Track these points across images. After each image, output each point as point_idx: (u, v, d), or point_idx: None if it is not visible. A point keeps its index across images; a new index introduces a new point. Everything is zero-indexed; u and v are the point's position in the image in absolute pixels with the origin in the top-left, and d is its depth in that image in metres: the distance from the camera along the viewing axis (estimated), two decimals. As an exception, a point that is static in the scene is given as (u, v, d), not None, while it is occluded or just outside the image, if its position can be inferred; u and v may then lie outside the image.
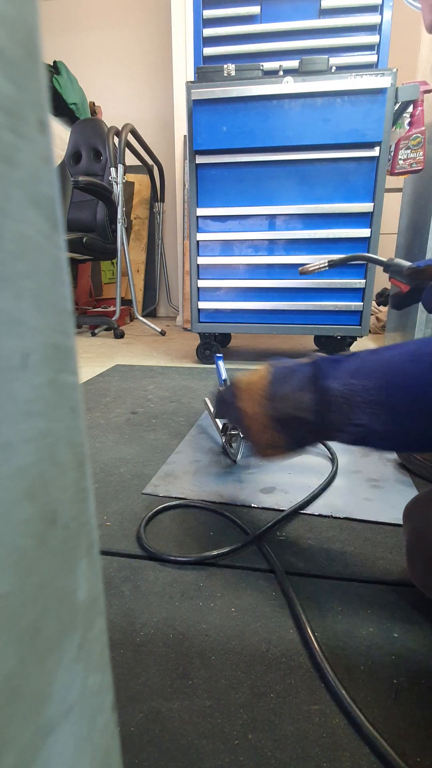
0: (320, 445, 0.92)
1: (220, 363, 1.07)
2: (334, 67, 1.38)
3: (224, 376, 1.02)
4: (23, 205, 0.11)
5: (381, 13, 1.40)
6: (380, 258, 0.85)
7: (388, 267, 0.82)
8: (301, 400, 0.48)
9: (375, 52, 1.44)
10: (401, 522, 0.54)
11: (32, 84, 0.11)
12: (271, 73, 1.45)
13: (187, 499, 0.71)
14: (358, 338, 1.64)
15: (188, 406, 1.18)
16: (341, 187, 1.46)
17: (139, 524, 0.65)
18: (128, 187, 2.95)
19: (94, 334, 2.37)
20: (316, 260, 1.51)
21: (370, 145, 1.40)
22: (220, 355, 1.10)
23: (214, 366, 1.68)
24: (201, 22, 1.51)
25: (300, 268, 0.88)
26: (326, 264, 0.81)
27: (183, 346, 2.09)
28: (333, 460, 0.85)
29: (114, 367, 1.62)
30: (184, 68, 2.43)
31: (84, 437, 0.14)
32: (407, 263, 0.81)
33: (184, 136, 2.54)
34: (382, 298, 1.06)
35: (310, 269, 0.84)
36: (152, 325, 2.43)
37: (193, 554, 0.58)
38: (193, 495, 0.74)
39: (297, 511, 0.68)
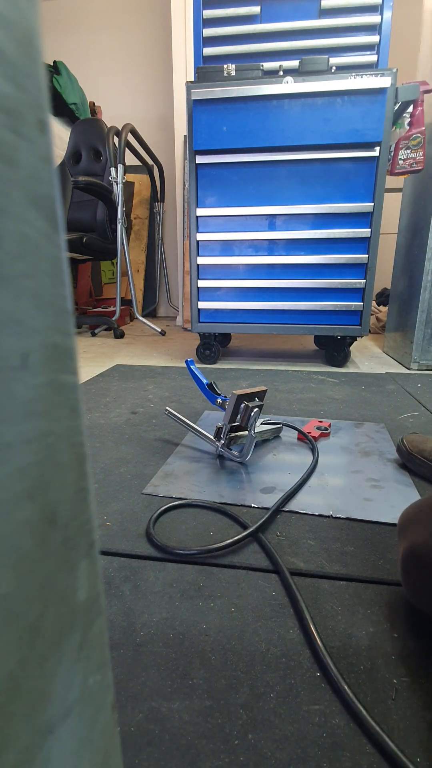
0: (315, 447, 0.92)
1: (194, 367, 1.00)
2: (334, 67, 1.38)
3: (205, 380, 0.98)
4: (23, 205, 0.11)
5: (381, 13, 1.40)
6: None
7: None
8: None
9: (375, 52, 1.44)
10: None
11: (32, 84, 0.11)
12: (271, 73, 1.45)
13: (188, 499, 0.71)
14: (358, 338, 1.64)
15: (188, 406, 1.18)
16: (341, 187, 1.46)
17: (148, 522, 0.65)
18: (128, 187, 2.95)
19: (94, 334, 2.37)
20: (315, 260, 1.52)
21: (370, 145, 1.40)
22: (191, 359, 1.03)
23: (214, 366, 1.68)
24: (201, 22, 1.51)
25: None
26: None
27: (183, 346, 2.09)
28: (314, 450, 0.90)
29: (114, 367, 1.62)
30: (184, 68, 2.43)
31: (84, 437, 0.14)
32: None
33: (184, 136, 2.54)
34: (382, 298, 1.05)
35: None
36: (152, 325, 2.43)
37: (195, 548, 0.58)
38: (193, 495, 0.74)
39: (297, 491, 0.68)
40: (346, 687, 0.39)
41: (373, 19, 1.41)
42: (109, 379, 1.45)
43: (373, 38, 1.43)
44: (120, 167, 2.18)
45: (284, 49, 1.48)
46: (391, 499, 0.72)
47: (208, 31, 1.51)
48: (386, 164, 1.43)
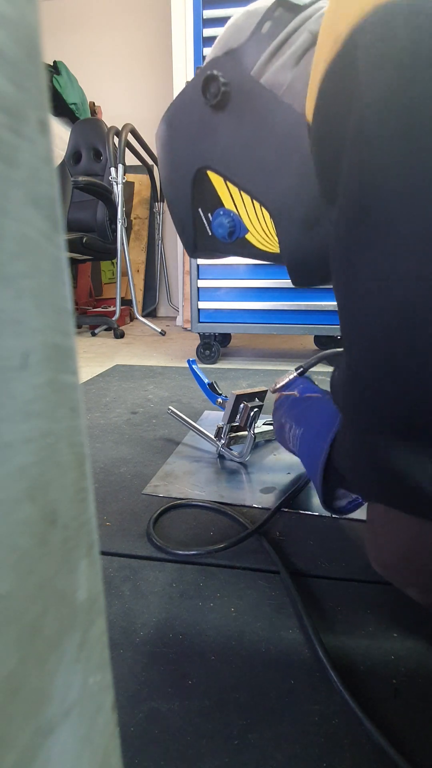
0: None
1: (195, 367, 0.98)
2: (334, 67, 1.38)
3: (206, 380, 0.97)
4: (23, 205, 0.11)
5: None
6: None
7: None
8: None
9: (375, 52, 1.44)
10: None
11: (32, 84, 0.11)
12: (271, 73, 1.45)
13: (188, 499, 0.71)
14: (358, 338, 1.64)
15: (188, 406, 1.18)
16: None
17: (148, 522, 0.65)
18: (128, 187, 2.95)
19: (94, 334, 2.37)
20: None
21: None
22: (193, 359, 1.01)
23: (214, 366, 1.68)
24: (201, 22, 1.50)
25: (271, 389, 0.77)
26: (294, 373, 0.72)
27: (183, 346, 2.09)
28: None
29: (114, 367, 1.62)
30: (184, 68, 2.43)
31: (84, 437, 0.14)
32: None
33: (184, 136, 2.54)
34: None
35: (281, 385, 0.74)
36: (152, 325, 2.43)
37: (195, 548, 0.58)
38: (193, 495, 0.74)
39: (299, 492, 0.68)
40: (345, 687, 0.39)
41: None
42: (109, 379, 1.45)
43: (373, 38, 1.43)
44: (120, 167, 2.18)
45: (284, 49, 1.48)
46: (391, 499, 0.72)
47: (208, 31, 1.51)
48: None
